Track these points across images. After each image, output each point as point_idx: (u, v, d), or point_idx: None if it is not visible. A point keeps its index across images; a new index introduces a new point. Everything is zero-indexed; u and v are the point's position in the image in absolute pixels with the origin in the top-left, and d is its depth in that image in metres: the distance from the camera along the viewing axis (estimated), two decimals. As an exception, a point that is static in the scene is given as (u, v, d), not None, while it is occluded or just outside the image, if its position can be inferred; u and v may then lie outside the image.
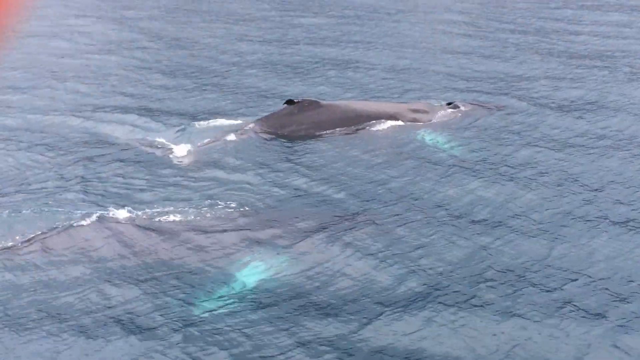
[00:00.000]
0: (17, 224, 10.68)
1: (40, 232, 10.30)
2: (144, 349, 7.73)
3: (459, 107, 16.40)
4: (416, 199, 11.55)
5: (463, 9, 33.56)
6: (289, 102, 15.54)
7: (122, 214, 10.88)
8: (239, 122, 15.70)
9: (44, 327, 8.15)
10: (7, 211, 11.13)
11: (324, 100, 16.24)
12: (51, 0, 38.65)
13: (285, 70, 21.79)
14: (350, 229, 10.39)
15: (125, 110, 17.31)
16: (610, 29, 27.58)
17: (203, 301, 8.59)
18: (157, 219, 10.74)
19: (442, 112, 16.13)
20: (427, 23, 29.78)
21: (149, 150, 14.14)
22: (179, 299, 8.63)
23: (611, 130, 14.96)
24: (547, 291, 8.79)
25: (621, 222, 10.66)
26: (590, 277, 9.13)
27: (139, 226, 10.47)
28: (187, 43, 26.49)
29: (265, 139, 14.86)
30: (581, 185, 12.07)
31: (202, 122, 15.92)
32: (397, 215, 10.93)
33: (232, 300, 8.61)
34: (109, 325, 8.15)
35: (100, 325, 8.15)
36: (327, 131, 15.14)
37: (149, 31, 28.94)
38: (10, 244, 9.98)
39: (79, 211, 11.01)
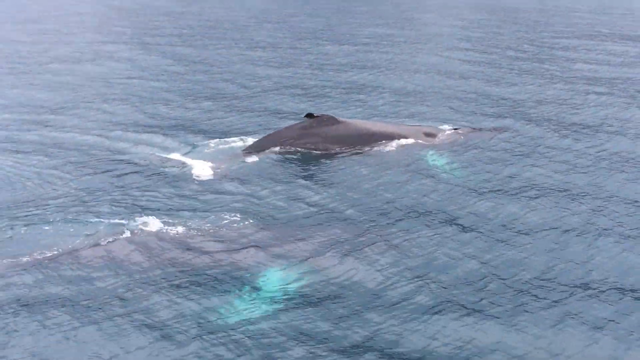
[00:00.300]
0: (48, 237, 10.74)
1: (71, 244, 10.37)
2: (162, 352, 7.75)
3: (463, 131, 16.42)
4: (422, 216, 11.51)
5: (465, 37, 33.74)
6: (309, 115, 15.66)
7: (148, 227, 10.93)
8: (255, 139, 15.78)
9: (74, 330, 8.17)
10: (38, 225, 11.19)
11: (340, 117, 16.33)
12: (78, 27, 39.13)
13: (299, 93, 21.89)
14: (362, 244, 10.37)
15: (148, 129, 17.39)
16: (604, 57, 27.64)
17: (222, 309, 8.57)
18: (179, 233, 10.75)
19: (448, 135, 16.14)
20: (432, 50, 29.89)
21: (172, 167, 14.18)
22: (200, 308, 8.61)
23: (609, 153, 14.91)
24: (549, 304, 8.72)
25: (619, 240, 10.60)
26: (590, 291, 9.06)
27: (163, 239, 10.50)
28: (206, 67, 26.67)
29: (283, 153, 14.94)
30: (580, 204, 12.02)
31: (221, 140, 16.03)
32: (405, 231, 10.90)
33: (249, 309, 8.58)
34: (133, 330, 8.15)
35: (125, 329, 8.15)
36: (341, 147, 15.19)
37: (171, 56, 29.17)
38: (42, 255, 10.02)
39: (108, 224, 11.09)
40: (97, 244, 10.29)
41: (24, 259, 9.87)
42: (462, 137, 16.02)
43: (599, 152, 15.00)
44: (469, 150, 15.11)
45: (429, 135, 15.98)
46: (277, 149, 15.09)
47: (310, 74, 24.95)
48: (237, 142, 15.85)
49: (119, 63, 27.59)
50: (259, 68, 26.27)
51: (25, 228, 11.05)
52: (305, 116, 15.75)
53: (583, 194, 12.50)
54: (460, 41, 32.66)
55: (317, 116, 15.61)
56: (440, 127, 16.84)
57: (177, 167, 14.15)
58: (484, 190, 12.71)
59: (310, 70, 25.69)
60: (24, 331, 8.20)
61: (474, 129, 16.79)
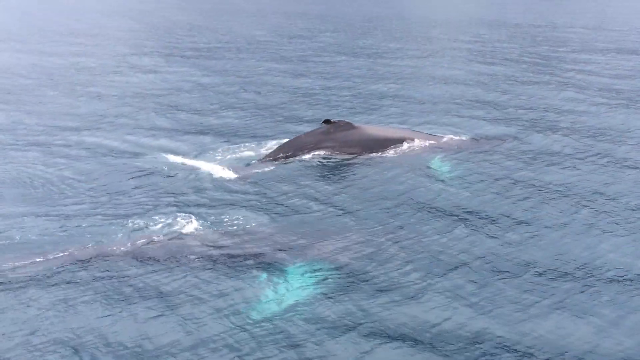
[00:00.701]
0: (77, 235, 10.88)
1: (99, 242, 10.49)
2: (186, 344, 7.82)
3: (468, 139, 16.40)
4: (430, 218, 11.53)
5: (469, 50, 33.70)
6: (327, 121, 15.72)
7: (173, 227, 11.02)
8: (275, 144, 15.87)
9: (101, 322, 8.24)
10: (66, 224, 11.31)
11: (356, 123, 16.36)
12: (106, 41, 39.41)
13: (314, 101, 21.98)
14: (375, 243, 10.40)
15: (173, 136, 17.50)
16: (600, 69, 27.57)
17: (245, 303, 8.62)
18: (203, 232, 10.82)
19: (454, 142, 16.13)
20: (439, 63, 29.90)
21: (197, 172, 14.25)
22: (224, 302, 8.68)
23: (609, 160, 14.85)
24: (554, 302, 8.72)
25: (622, 240, 10.59)
26: (593, 289, 9.05)
27: (187, 238, 10.60)
28: (227, 78, 26.75)
29: (303, 157, 15.01)
30: (582, 207, 11.98)
31: (244, 145, 16.13)
32: (414, 231, 10.94)
33: (270, 303, 8.64)
34: (157, 323, 8.25)
35: (150, 322, 8.25)
36: (356, 150, 15.24)
37: (193, 67, 29.32)
38: (70, 252, 10.14)
39: (134, 224, 11.17)
40: (125, 242, 10.38)
41: (55, 256, 9.96)
42: (467, 144, 16.01)
43: (599, 158, 14.95)
44: (474, 157, 15.11)
45: (436, 141, 15.97)
46: (298, 152, 15.16)
47: (324, 85, 25.02)
48: (258, 147, 15.94)
49: (144, 74, 27.75)
50: (276, 79, 26.37)
51: (54, 227, 11.17)
52: (323, 122, 15.82)
53: (585, 198, 12.46)
54: (465, 54, 32.64)
55: (335, 122, 15.68)
56: (447, 134, 16.85)
57: (202, 172, 14.21)
58: (488, 194, 12.71)
59: (323, 81, 25.75)
60: (59, 325, 8.28)
61: (478, 137, 16.77)
